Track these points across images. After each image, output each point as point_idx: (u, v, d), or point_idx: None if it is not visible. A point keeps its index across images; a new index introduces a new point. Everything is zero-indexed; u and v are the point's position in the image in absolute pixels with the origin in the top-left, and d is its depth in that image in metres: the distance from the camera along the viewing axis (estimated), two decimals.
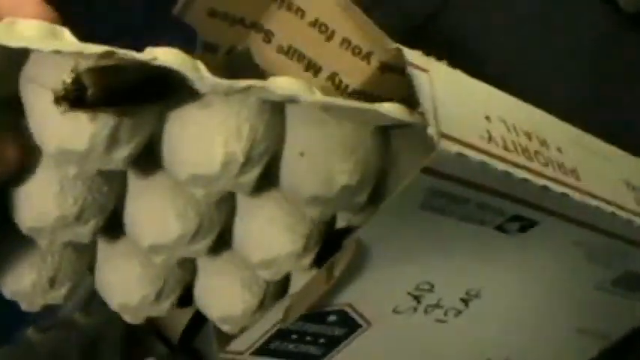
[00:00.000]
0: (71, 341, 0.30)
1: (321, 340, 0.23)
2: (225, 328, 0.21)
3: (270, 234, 0.19)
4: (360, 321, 0.22)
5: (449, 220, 0.19)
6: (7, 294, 0.19)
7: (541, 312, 0.25)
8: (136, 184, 0.18)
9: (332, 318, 0.22)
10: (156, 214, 0.18)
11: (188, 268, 0.21)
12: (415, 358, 0.25)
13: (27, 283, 0.18)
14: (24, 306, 0.19)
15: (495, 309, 0.24)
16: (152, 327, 0.33)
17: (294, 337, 0.22)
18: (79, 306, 0.31)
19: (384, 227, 0.18)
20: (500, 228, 0.20)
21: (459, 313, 0.24)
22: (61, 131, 0.15)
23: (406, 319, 0.23)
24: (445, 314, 0.23)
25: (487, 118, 0.19)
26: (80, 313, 0.30)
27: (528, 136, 0.20)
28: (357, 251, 0.19)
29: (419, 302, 0.22)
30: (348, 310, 0.22)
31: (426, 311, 0.23)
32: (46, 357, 0.28)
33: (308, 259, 0.20)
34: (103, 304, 0.30)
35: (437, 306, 0.23)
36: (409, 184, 0.17)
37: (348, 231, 0.21)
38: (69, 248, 0.19)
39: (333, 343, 0.23)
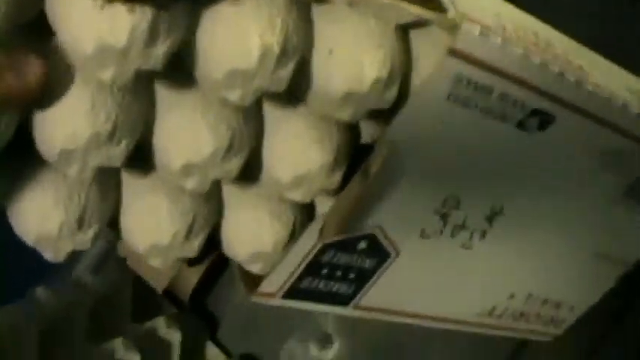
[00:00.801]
0: (81, 301, 0.30)
1: (351, 275, 0.23)
2: (255, 267, 0.21)
3: (299, 149, 0.19)
4: (388, 248, 0.23)
5: (473, 115, 0.20)
6: (32, 239, 0.18)
7: (560, 235, 0.26)
8: (165, 102, 0.18)
9: (362, 245, 0.22)
10: (187, 131, 0.18)
11: (215, 206, 0.21)
12: (442, 291, 0.26)
13: (54, 224, 0.18)
14: (49, 254, 0.19)
15: (518, 229, 0.25)
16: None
17: (325, 271, 0.22)
18: (89, 268, 0.32)
19: (412, 124, 0.19)
20: (521, 125, 0.21)
21: (483, 235, 0.24)
22: (100, 28, 0.15)
23: (433, 244, 0.23)
24: (470, 237, 0.24)
25: (497, 15, 0.20)
26: (90, 274, 0.31)
27: (536, 35, 0.21)
28: (390, 151, 0.19)
29: (445, 223, 0.23)
30: (378, 234, 0.22)
31: (452, 234, 0.24)
32: (55, 316, 0.28)
33: (338, 176, 0.20)
34: (113, 266, 0.32)
35: (462, 227, 0.24)
36: (436, 70, 0.18)
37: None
38: (95, 187, 0.19)
39: (363, 277, 0.23)
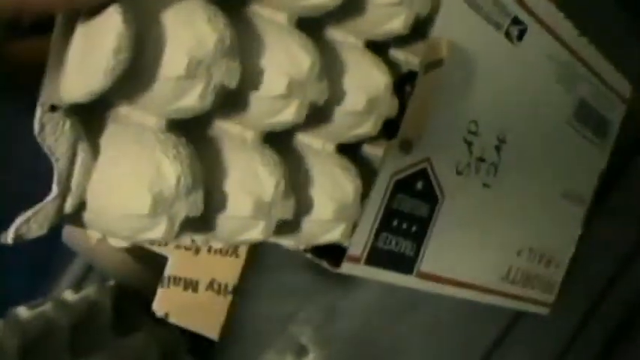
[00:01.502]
0: (61, 318, 0.29)
1: (413, 229, 0.22)
2: (337, 231, 0.20)
3: (365, 72, 0.19)
4: (436, 190, 0.23)
5: (481, 21, 0.22)
6: (145, 204, 0.15)
7: (533, 175, 0.28)
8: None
9: (419, 186, 0.22)
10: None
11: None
12: (476, 250, 0.25)
13: (171, 180, 0.15)
14: (162, 227, 0.15)
15: (517, 165, 0.26)
16: (140, 301, 0.32)
17: (395, 223, 0.21)
18: (70, 287, 0.32)
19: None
20: (507, 35, 0.23)
21: (495, 170, 0.25)
22: None
23: (465, 183, 0.24)
24: (487, 172, 0.25)
25: None
26: (69, 291, 0.30)
27: None
28: (446, 48, 0.20)
29: (470, 154, 0.24)
30: (428, 169, 0.22)
31: (476, 169, 0.24)
32: (35, 332, 0.28)
33: (395, 100, 0.20)
34: (93, 284, 0.31)
35: (482, 159, 0.24)
36: None
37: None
38: (191, 147, 0.16)
39: (421, 230, 0.22)
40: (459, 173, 0.23)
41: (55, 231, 0.31)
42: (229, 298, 0.22)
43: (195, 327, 0.22)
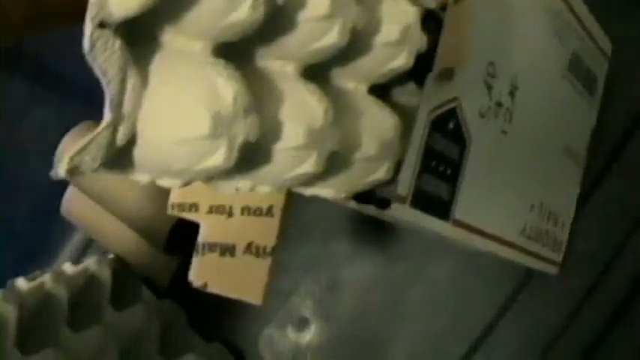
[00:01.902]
0: (60, 290, 0.30)
1: (448, 172, 0.22)
2: (381, 170, 0.19)
3: (398, 2, 0.19)
4: (465, 133, 0.22)
5: None
6: (205, 126, 0.14)
7: (537, 128, 0.28)
8: None
9: (451, 125, 0.21)
10: None
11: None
12: (499, 201, 0.25)
13: (229, 97, 0.14)
14: (223, 148, 0.14)
15: (527, 113, 0.26)
16: (140, 275, 0.33)
17: (433, 164, 0.21)
18: (69, 260, 0.33)
19: None
20: None
21: (511, 116, 0.25)
22: None
23: (488, 128, 0.24)
24: (504, 118, 0.25)
25: None
26: (68, 264, 0.31)
27: None
28: None
29: (490, 97, 0.24)
30: (457, 108, 0.22)
31: (495, 114, 0.24)
32: (34, 305, 0.28)
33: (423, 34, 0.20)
34: (93, 257, 0.33)
35: (499, 104, 0.24)
36: None
37: None
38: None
39: (454, 175, 0.22)
40: (482, 116, 0.22)
41: (53, 205, 0.30)
42: (269, 259, 0.21)
43: (237, 294, 0.21)
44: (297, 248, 0.32)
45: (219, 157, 0.14)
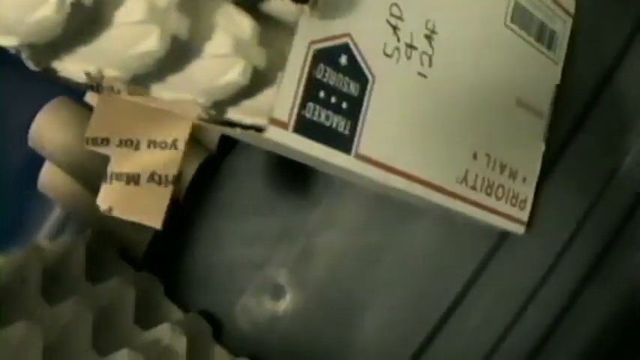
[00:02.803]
0: (35, 264, 0.30)
1: (344, 105, 0.24)
2: (238, 67, 0.21)
3: None
4: (365, 69, 0.24)
5: None
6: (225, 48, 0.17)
7: (483, 77, 0.30)
8: None
9: (343, 60, 0.23)
10: None
11: None
12: (421, 142, 0.27)
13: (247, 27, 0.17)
14: (238, 68, 0.17)
15: (454, 63, 0.28)
16: (116, 248, 0.35)
17: (322, 95, 0.23)
18: (46, 236, 0.35)
19: None
20: None
21: (430, 60, 0.27)
22: None
23: (397, 68, 0.25)
24: (421, 62, 0.26)
25: None
26: (45, 239, 0.33)
27: None
28: None
29: (398, 38, 0.25)
30: (350, 43, 0.24)
31: (407, 55, 0.26)
32: (6, 279, 0.29)
33: None
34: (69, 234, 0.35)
35: (412, 46, 0.26)
36: None
37: None
38: None
39: (354, 107, 0.24)
40: (387, 55, 0.24)
41: (30, 179, 0.33)
42: (170, 187, 0.23)
43: (139, 218, 0.24)
44: (270, 217, 0.35)
45: (151, 42, 0.16)
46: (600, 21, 0.35)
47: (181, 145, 0.24)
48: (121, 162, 0.25)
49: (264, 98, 0.21)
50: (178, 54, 0.18)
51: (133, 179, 0.24)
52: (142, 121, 0.25)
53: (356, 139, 0.24)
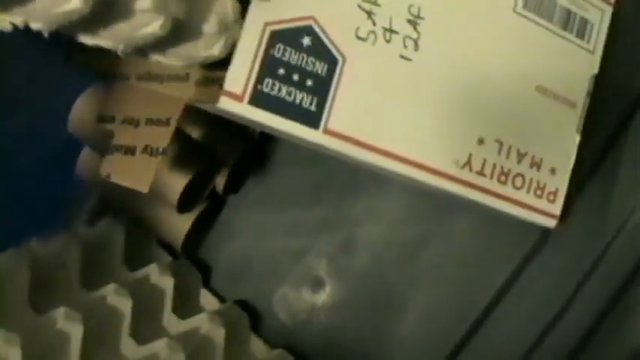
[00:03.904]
0: (73, 251, 0.33)
1: (309, 83, 0.27)
2: (218, 46, 0.25)
3: None
4: (333, 50, 0.27)
5: None
6: None
7: (493, 62, 0.32)
8: None
9: (307, 41, 0.27)
10: None
11: None
12: (406, 123, 0.29)
13: None
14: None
15: (447, 46, 0.30)
16: (154, 235, 0.38)
17: (282, 72, 0.26)
18: (82, 223, 0.38)
19: None
20: None
21: (416, 45, 0.30)
22: None
23: (373, 51, 0.28)
24: (404, 45, 0.29)
25: None
26: (83, 225, 0.36)
27: None
28: None
29: (374, 23, 0.28)
30: (315, 27, 0.27)
31: (386, 39, 0.29)
32: (46, 262, 0.31)
33: None
34: (106, 219, 0.37)
35: (392, 30, 0.29)
36: None
37: None
38: None
39: (321, 86, 0.27)
40: (360, 38, 0.27)
41: (69, 164, 0.38)
42: (159, 158, 0.28)
43: (130, 183, 0.28)
44: (311, 207, 0.38)
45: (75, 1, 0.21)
46: None
47: (173, 122, 0.28)
48: (122, 137, 0.30)
49: (189, 46, 0.24)
50: (104, 10, 0.22)
51: (129, 150, 0.29)
52: (142, 102, 0.30)
53: (324, 115, 0.27)
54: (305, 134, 0.27)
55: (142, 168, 0.28)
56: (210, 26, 0.24)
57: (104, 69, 0.31)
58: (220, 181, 0.37)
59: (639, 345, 0.35)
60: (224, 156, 0.37)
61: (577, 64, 0.34)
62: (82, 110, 0.33)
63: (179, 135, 0.32)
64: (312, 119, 0.27)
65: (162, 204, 0.36)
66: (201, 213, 0.38)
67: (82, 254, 0.34)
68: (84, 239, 0.35)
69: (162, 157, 0.28)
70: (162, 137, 0.28)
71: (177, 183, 0.36)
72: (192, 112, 0.29)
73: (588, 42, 0.34)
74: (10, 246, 0.32)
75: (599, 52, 0.35)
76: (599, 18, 0.35)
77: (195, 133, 0.37)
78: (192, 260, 0.39)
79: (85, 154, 0.37)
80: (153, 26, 0.23)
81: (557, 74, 0.34)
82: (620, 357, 0.35)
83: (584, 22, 0.34)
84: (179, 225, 0.37)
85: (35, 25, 0.22)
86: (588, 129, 0.35)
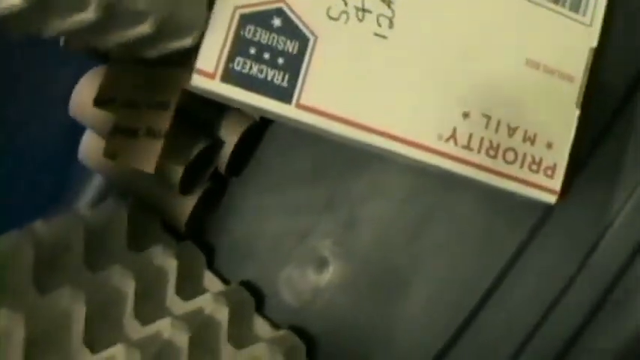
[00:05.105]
0: (77, 232, 0.37)
1: (280, 61, 0.32)
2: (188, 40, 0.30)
3: None
4: (304, 30, 0.33)
5: None
6: None
7: (476, 34, 0.36)
8: None
9: (277, 22, 0.32)
10: None
11: None
12: (384, 97, 0.34)
13: None
14: None
15: (425, 20, 0.35)
16: (158, 218, 0.43)
17: (253, 51, 0.32)
18: (86, 204, 0.42)
19: None
20: None
21: (391, 23, 0.34)
22: None
23: (346, 29, 0.33)
24: (378, 23, 0.34)
25: None
26: (86, 207, 0.40)
27: None
28: None
29: (345, 3, 0.33)
30: (285, 8, 0.32)
31: (358, 17, 0.34)
32: (49, 245, 0.35)
33: None
34: (110, 201, 0.41)
35: (364, 10, 0.34)
36: None
37: None
38: None
39: (293, 64, 0.32)
40: (332, 18, 0.33)
41: (72, 147, 0.44)
42: (162, 140, 0.34)
43: (136, 165, 0.34)
44: (313, 187, 0.43)
45: None
46: None
47: (173, 105, 0.34)
48: (124, 119, 0.36)
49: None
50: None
51: (132, 133, 0.35)
52: (142, 85, 0.36)
53: (297, 91, 0.32)
54: (277, 109, 0.32)
55: (146, 149, 0.34)
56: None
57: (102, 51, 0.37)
58: (223, 162, 0.43)
59: None
60: (226, 137, 0.43)
61: (572, 37, 0.39)
62: (83, 94, 0.39)
63: (180, 114, 0.37)
64: (284, 95, 0.32)
65: (165, 185, 0.41)
66: (204, 194, 0.43)
67: (85, 236, 0.38)
68: (87, 221, 0.39)
69: (163, 140, 0.34)
70: (162, 120, 0.34)
71: (178, 163, 0.41)
72: (192, 93, 0.35)
73: (584, 15, 0.39)
74: (14, 228, 0.35)
75: (598, 25, 0.39)
76: None
77: (196, 113, 0.43)
78: (197, 242, 0.44)
79: (87, 137, 0.42)
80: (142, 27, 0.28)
81: (549, 48, 0.38)
82: (627, 334, 0.39)
83: None
84: (182, 206, 0.42)
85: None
86: (590, 102, 0.39)
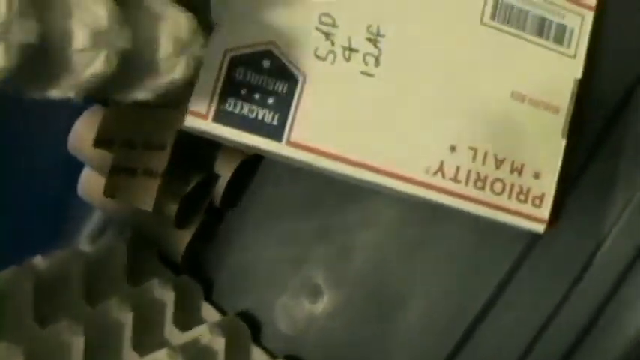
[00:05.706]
0: (77, 266, 0.39)
1: (270, 101, 0.36)
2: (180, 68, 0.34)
3: None
4: (293, 70, 0.36)
5: None
6: None
7: (462, 70, 0.40)
8: None
9: (266, 64, 0.36)
10: None
11: None
12: (372, 133, 0.38)
13: (2, 8, 0.21)
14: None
15: (411, 58, 0.38)
16: (156, 251, 0.45)
17: (244, 92, 0.35)
18: (86, 239, 0.46)
19: None
20: None
21: (377, 61, 0.38)
22: None
23: (333, 68, 0.37)
24: (365, 62, 0.38)
25: None
26: (86, 241, 0.43)
27: None
28: None
29: (332, 43, 0.37)
30: (275, 50, 0.36)
31: (345, 57, 0.37)
32: (48, 280, 0.37)
33: None
34: (110, 236, 0.45)
35: (351, 49, 0.37)
36: None
37: None
38: None
39: (282, 103, 0.36)
40: (319, 58, 0.36)
41: (71, 184, 0.47)
42: (159, 179, 0.37)
43: (135, 203, 0.37)
44: (306, 217, 0.46)
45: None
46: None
47: (169, 146, 0.38)
48: (122, 159, 0.39)
49: (150, 76, 0.32)
50: (36, 61, 0.25)
51: (131, 172, 0.39)
52: (139, 126, 0.39)
53: (287, 129, 0.36)
54: (269, 147, 0.36)
55: (144, 188, 0.38)
56: (164, 49, 0.32)
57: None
58: (218, 195, 0.46)
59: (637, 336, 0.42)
60: (221, 170, 0.46)
61: (557, 69, 0.42)
62: (81, 132, 0.43)
63: (176, 151, 0.40)
64: (274, 133, 0.36)
65: (162, 220, 0.44)
66: (200, 227, 0.46)
67: (84, 270, 0.41)
68: (87, 255, 0.42)
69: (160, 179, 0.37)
70: (160, 160, 0.38)
71: (174, 199, 0.44)
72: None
73: (568, 47, 0.42)
74: (14, 264, 0.38)
75: (582, 57, 0.42)
76: (579, 23, 0.42)
77: (192, 148, 0.46)
78: (194, 275, 0.47)
79: (86, 174, 0.46)
80: (96, 64, 0.27)
81: (534, 80, 0.42)
82: (620, 349, 0.42)
83: (561, 29, 0.42)
84: (179, 240, 0.45)
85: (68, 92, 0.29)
86: (577, 130, 0.42)
